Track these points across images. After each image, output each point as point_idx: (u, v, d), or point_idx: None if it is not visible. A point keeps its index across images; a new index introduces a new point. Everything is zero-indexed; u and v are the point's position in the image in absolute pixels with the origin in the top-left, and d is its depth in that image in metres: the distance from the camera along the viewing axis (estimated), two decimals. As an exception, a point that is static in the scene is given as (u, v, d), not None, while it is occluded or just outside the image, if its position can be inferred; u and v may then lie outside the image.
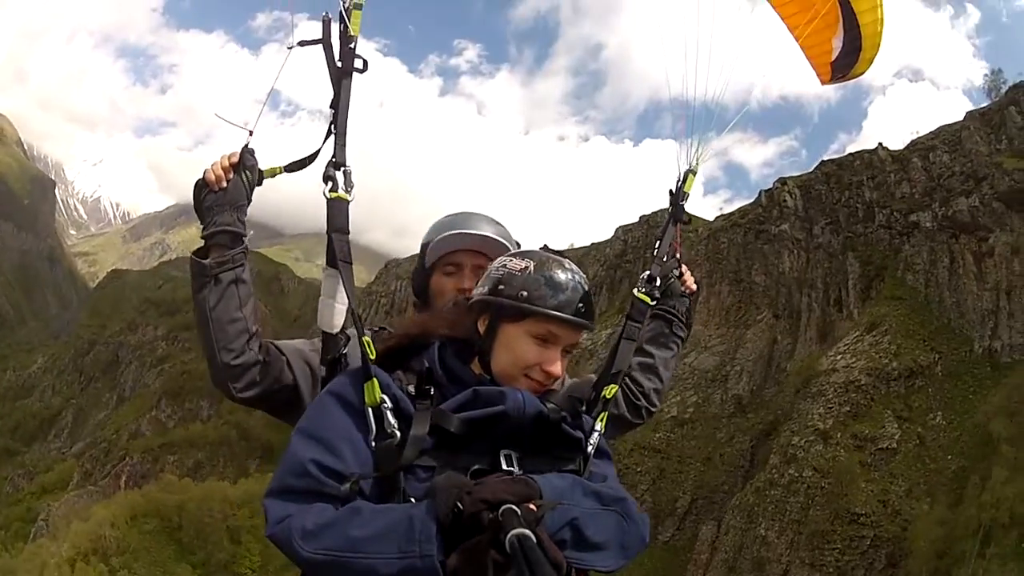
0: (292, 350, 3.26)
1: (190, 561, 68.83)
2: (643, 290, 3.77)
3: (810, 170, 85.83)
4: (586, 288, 2.70)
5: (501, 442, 2.49)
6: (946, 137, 73.01)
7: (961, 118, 73.87)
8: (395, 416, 2.43)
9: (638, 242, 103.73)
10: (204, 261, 3.00)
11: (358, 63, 3.03)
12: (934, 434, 59.63)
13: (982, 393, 59.49)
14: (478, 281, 3.05)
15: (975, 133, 69.94)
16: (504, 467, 2.44)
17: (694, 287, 4.32)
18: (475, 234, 3.43)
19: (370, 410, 2.44)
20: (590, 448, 2.75)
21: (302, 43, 3.06)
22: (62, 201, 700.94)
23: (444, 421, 2.41)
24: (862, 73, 4.87)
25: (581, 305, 2.63)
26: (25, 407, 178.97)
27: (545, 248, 2.82)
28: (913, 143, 77.09)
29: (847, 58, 4.76)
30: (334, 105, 3.01)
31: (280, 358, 3.18)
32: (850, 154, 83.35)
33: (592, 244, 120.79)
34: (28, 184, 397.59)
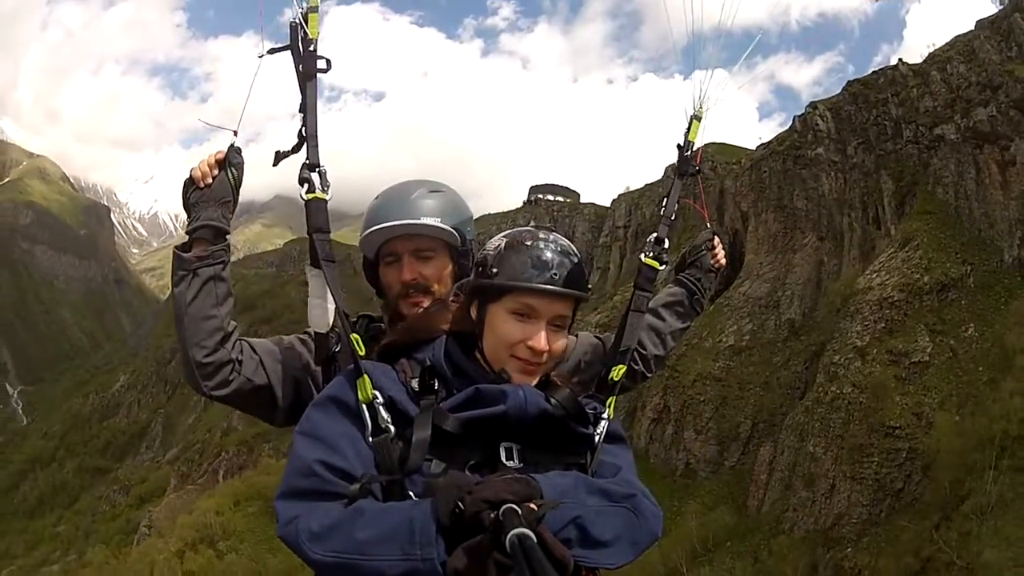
0: (266, 351, 3.28)
1: (296, 535, 71.48)
2: (651, 254, 3.68)
3: (838, 92, 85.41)
4: (569, 258, 2.64)
5: (503, 436, 2.51)
6: (961, 48, 72.60)
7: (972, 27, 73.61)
8: (388, 411, 2.47)
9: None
10: (185, 255, 3.07)
11: (321, 64, 3.09)
12: (966, 346, 59.78)
13: (1012, 303, 59.62)
14: (420, 267, 3.31)
15: (986, 42, 69.73)
16: (503, 460, 2.48)
17: (724, 261, 4.23)
18: (401, 224, 3.31)
19: (364, 407, 2.48)
20: (598, 438, 2.74)
21: (272, 51, 3.13)
22: (119, 223, 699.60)
23: (443, 422, 2.44)
24: None
25: (555, 273, 2.57)
26: (113, 425, 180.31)
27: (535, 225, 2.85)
28: (931, 56, 76.57)
29: None
30: (303, 109, 3.06)
31: (253, 358, 3.21)
32: (873, 72, 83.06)
33: (646, 185, 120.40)
34: (81, 215, 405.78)
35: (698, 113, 3.96)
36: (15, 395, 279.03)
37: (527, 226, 2.81)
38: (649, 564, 53.68)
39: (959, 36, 75.23)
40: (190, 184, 3.21)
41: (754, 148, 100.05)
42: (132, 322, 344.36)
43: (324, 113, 3.17)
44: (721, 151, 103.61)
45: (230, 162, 3.21)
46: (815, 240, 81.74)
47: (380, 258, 3.45)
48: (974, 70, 70.24)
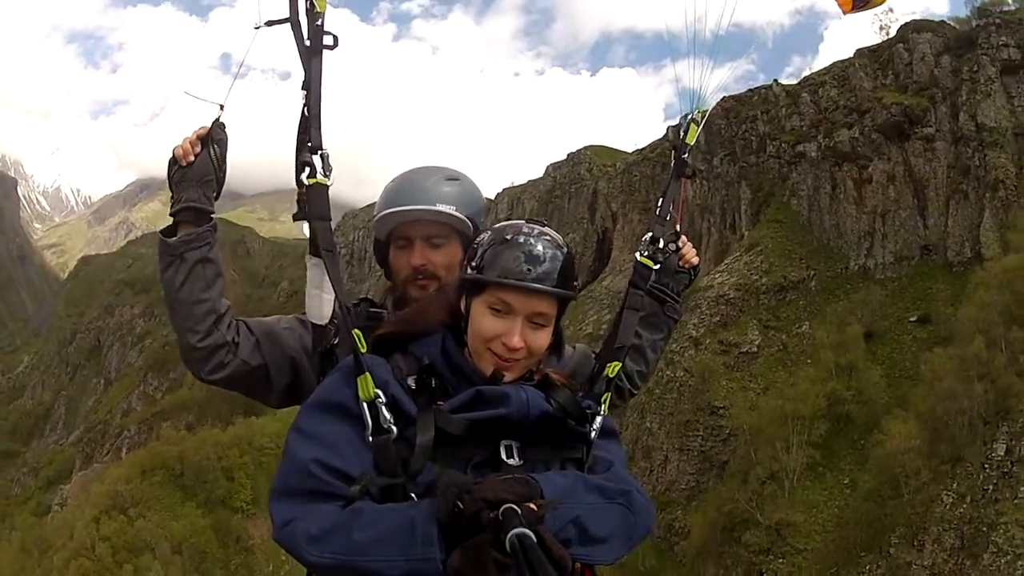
0: (263, 331, 3.20)
1: (194, 501, 73.89)
2: (645, 253, 3.60)
3: (711, 107, 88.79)
4: (555, 252, 2.53)
5: (503, 434, 2.47)
6: (836, 73, 77.24)
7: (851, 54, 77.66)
8: (390, 410, 2.40)
9: (565, 178, 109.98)
10: (169, 240, 2.98)
11: (327, 40, 2.89)
12: (797, 341, 66.48)
13: (844, 306, 65.86)
14: (431, 254, 3.25)
15: (860, 69, 74.13)
16: (504, 457, 2.44)
17: (695, 260, 4.04)
18: (416, 209, 3.21)
19: (365, 405, 2.40)
20: (594, 434, 2.71)
21: (269, 23, 2.94)
22: (24, 197, 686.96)
23: (448, 425, 2.39)
24: (883, 2, 4.83)
25: (528, 268, 2.46)
26: (19, 407, 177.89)
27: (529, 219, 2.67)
28: (806, 79, 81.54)
29: None
30: (306, 86, 2.86)
31: (250, 338, 3.13)
32: (749, 90, 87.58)
33: (528, 181, 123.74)
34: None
35: (695, 118, 3.90)
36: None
37: (519, 219, 2.73)
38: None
39: (836, 62, 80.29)
40: (173, 163, 3.06)
41: (630, 152, 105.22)
42: (34, 301, 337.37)
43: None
44: (599, 153, 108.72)
45: (213, 138, 3.06)
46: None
47: (391, 240, 3.37)
48: (844, 95, 75.33)
